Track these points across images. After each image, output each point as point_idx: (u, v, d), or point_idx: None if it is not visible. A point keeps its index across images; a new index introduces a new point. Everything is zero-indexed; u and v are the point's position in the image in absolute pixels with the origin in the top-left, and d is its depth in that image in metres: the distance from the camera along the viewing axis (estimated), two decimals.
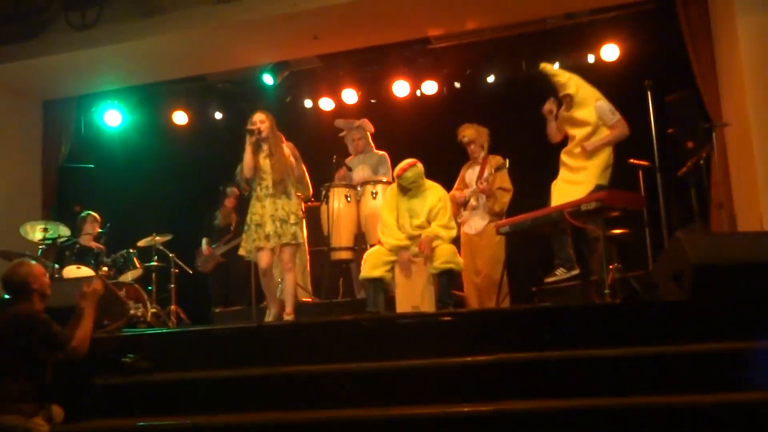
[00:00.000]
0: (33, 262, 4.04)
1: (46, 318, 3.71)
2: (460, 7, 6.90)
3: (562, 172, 5.44)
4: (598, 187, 5.16)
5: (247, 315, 6.34)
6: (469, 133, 6.09)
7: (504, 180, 5.91)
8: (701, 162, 5.66)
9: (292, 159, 5.37)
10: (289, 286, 5.30)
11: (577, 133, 5.37)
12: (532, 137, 5.96)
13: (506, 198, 5.93)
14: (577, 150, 5.32)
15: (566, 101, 5.41)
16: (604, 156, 5.27)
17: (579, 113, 5.37)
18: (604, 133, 5.29)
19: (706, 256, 3.88)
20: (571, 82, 5.38)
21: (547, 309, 4.57)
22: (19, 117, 7.98)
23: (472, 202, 5.99)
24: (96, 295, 3.90)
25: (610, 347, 3.59)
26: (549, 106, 5.53)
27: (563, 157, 5.47)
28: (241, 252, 5.40)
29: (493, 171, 5.84)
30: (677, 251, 4.03)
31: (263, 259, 5.21)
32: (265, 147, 5.29)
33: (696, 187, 5.67)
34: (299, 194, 5.72)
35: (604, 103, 5.33)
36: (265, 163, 5.28)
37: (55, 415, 3.76)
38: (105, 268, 6.69)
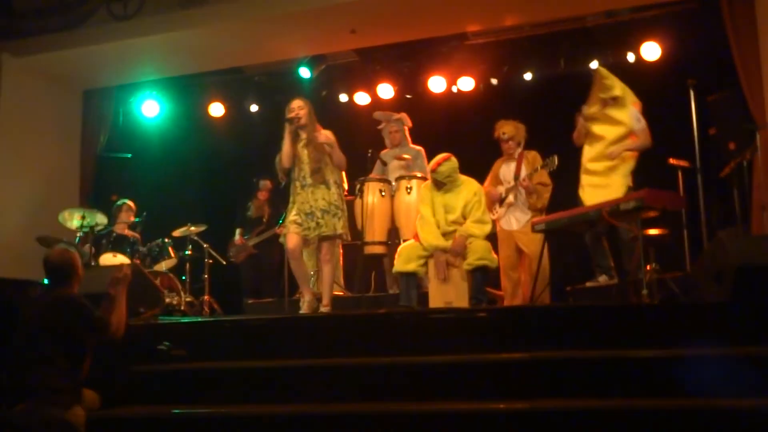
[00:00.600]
0: (72, 249, 4.08)
1: (87, 302, 3.74)
2: (499, 3, 6.83)
3: (587, 179, 5.47)
4: (629, 190, 5.16)
5: (279, 306, 6.38)
6: (508, 129, 6.05)
7: (543, 175, 5.87)
8: (744, 163, 5.55)
9: (327, 147, 5.25)
10: (327, 279, 5.28)
11: (610, 132, 5.43)
12: (568, 136, 5.89)
13: (547, 193, 5.89)
14: (608, 151, 5.33)
15: (605, 102, 5.45)
16: (631, 161, 5.38)
17: (617, 113, 5.47)
18: (627, 142, 5.39)
19: (749, 257, 3.80)
20: (617, 84, 5.51)
21: (585, 308, 4.52)
22: (60, 106, 8.09)
23: (510, 198, 5.93)
24: (127, 280, 3.92)
25: (648, 348, 3.54)
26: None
27: (587, 164, 5.50)
28: (281, 239, 5.37)
29: (538, 168, 5.78)
30: (719, 252, 3.96)
31: (290, 241, 5.17)
32: (303, 135, 5.26)
33: (738, 188, 5.56)
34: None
35: (635, 110, 5.46)
36: (302, 152, 5.25)
37: (90, 401, 3.82)
38: (138, 260, 6.77)
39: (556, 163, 5.60)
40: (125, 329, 3.79)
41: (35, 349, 3.64)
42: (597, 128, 5.51)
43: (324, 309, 5.19)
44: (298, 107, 5.28)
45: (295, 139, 5.27)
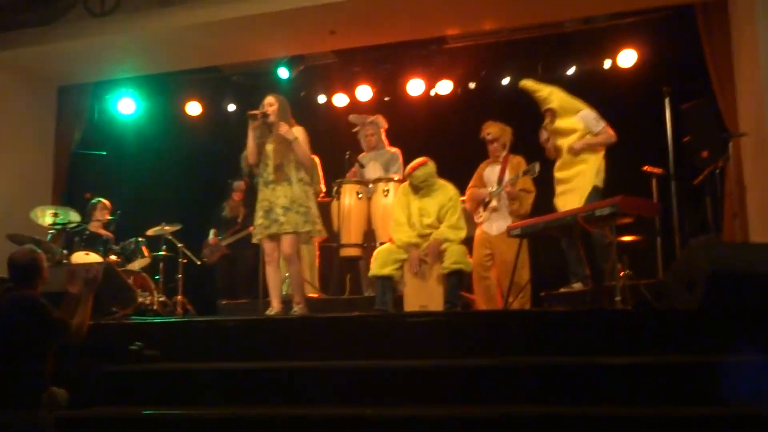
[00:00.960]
0: (38, 250, 3.99)
1: (47, 302, 3.68)
2: (478, 7, 6.86)
3: (558, 187, 5.53)
4: (595, 189, 5.26)
5: (253, 308, 6.34)
6: (493, 130, 6.03)
7: (527, 181, 5.86)
8: (717, 171, 5.62)
9: (289, 137, 5.13)
10: (293, 278, 5.21)
11: (565, 142, 5.49)
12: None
13: (530, 199, 5.87)
14: (568, 159, 5.40)
15: (549, 115, 5.52)
16: (595, 159, 5.39)
17: (563, 123, 5.51)
18: (587, 139, 5.42)
19: (721, 265, 3.85)
20: (553, 96, 5.53)
21: (558, 313, 4.55)
22: (34, 101, 7.98)
23: (494, 203, 5.89)
24: (96, 283, 3.87)
25: (620, 355, 3.57)
26: (544, 136, 5.63)
27: (556, 174, 5.56)
28: (254, 240, 5.33)
29: (520, 174, 5.78)
30: (691, 259, 4.00)
31: (266, 248, 5.15)
32: (270, 132, 5.20)
33: (711, 196, 5.63)
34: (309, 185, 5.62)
35: (588, 112, 5.47)
36: (268, 148, 5.20)
37: (57, 400, 3.77)
38: (113, 256, 6.70)
39: (538, 169, 5.61)
40: (87, 331, 3.72)
41: None
42: (556, 141, 5.59)
43: (297, 307, 5.10)
44: (267, 104, 5.26)
45: (263, 135, 5.23)
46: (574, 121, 5.44)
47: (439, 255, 5.23)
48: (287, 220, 5.04)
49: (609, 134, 5.40)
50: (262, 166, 5.22)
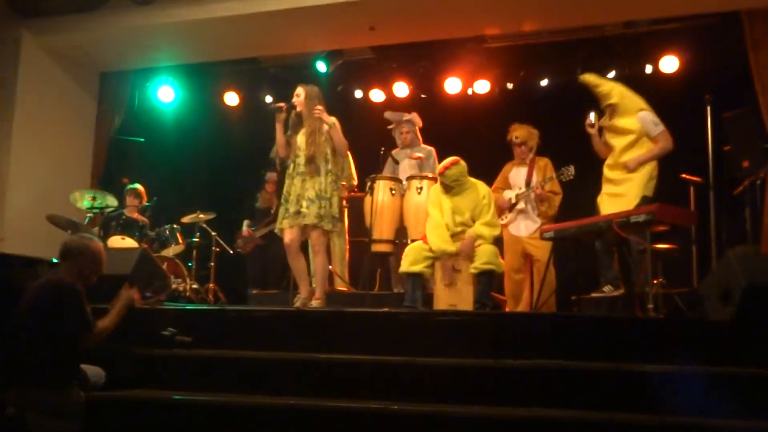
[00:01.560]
0: (100, 245, 4.04)
1: (75, 293, 3.69)
2: (519, 8, 6.82)
3: (606, 187, 5.41)
4: (644, 199, 5.14)
5: (283, 299, 6.39)
6: (521, 133, 6.03)
7: (554, 184, 5.85)
8: (758, 182, 5.53)
9: (325, 126, 5.15)
10: (317, 270, 5.22)
11: (619, 142, 5.34)
12: (581, 144, 5.87)
13: (557, 201, 5.87)
14: (621, 160, 5.28)
15: (609, 111, 5.39)
16: (649, 168, 5.25)
17: (621, 122, 5.35)
18: (646, 145, 5.26)
19: (757, 277, 3.79)
20: (614, 92, 5.36)
21: (589, 318, 4.51)
22: (76, 87, 8.11)
23: (520, 205, 5.91)
24: (130, 303, 3.92)
25: (651, 362, 3.53)
26: (589, 121, 5.52)
27: (606, 171, 5.44)
28: (277, 230, 5.35)
29: (553, 176, 5.74)
30: (727, 270, 3.95)
31: (286, 236, 5.14)
32: (308, 124, 5.19)
33: (750, 207, 5.53)
34: (344, 183, 5.65)
35: (647, 114, 5.30)
36: (300, 140, 5.20)
37: (93, 377, 3.86)
38: (146, 244, 6.80)
39: (573, 173, 5.55)
40: (102, 339, 3.76)
41: (25, 331, 3.65)
42: (610, 139, 5.47)
43: (315, 302, 5.14)
44: (296, 95, 5.29)
45: (295, 126, 5.24)
46: (632, 121, 5.27)
47: (471, 252, 5.21)
48: (309, 213, 5.06)
49: (667, 140, 5.22)
50: (293, 157, 5.25)
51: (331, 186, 5.18)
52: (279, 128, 5.22)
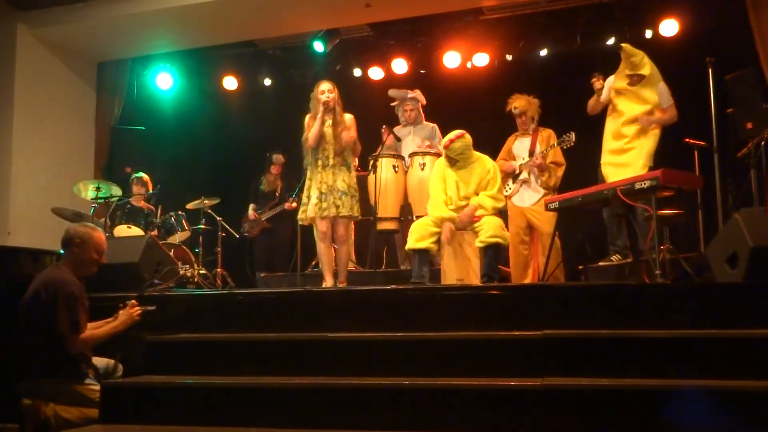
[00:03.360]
0: (102, 234, 4.07)
1: (77, 293, 3.73)
2: None
3: (610, 157, 5.44)
4: (650, 169, 5.12)
5: (291, 281, 6.42)
6: (520, 103, 6.01)
7: (557, 154, 5.85)
8: (762, 144, 5.49)
9: (353, 131, 5.45)
10: (343, 258, 5.48)
11: (633, 109, 5.38)
12: (584, 113, 5.85)
13: (560, 172, 5.87)
14: (629, 130, 5.30)
15: (634, 79, 5.43)
16: (655, 138, 5.31)
17: (645, 92, 5.45)
18: (657, 115, 5.31)
19: (765, 239, 3.77)
20: (645, 62, 5.46)
21: (597, 286, 4.51)
22: (74, 77, 8.11)
23: (524, 175, 5.90)
24: (131, 321, 3.93)
25: (660, 328, 3.53)
26: (600, 83, 5.54)
27: (609, 140, 5.47)
28: (300, 219, 5.53)
29: (555, 144, 5.74)
30: (734, 233, 3.93)
31: (322, 226, 5.36)
32: (329, 117, 5.37)
33: (755, 169, 5.50)
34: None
35: (664, 86, 5.45)
36: (327, 132, 5.36)
37: (106, 368, 3.90)
38: (153, 232, 6.82)
39: (573, 139, 5.56)
40: (85, 348, 3.78)
41: (28, 324, 3.71)
42: (621, 104, 5.48)
43: (340, 285, 5.41)
44: (328, 91, 5.42)
45: (323, 120, 5.37)
46: (654, 92, 5.42)
47: (473, 221, 5.22)
48: (343, 204, 5.31)
49: (674, 113, 5.41)
50: (320, 149, 5.38)
51: (355, 179, 5.51)
52: (320, 120, 5.36)
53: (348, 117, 5.52)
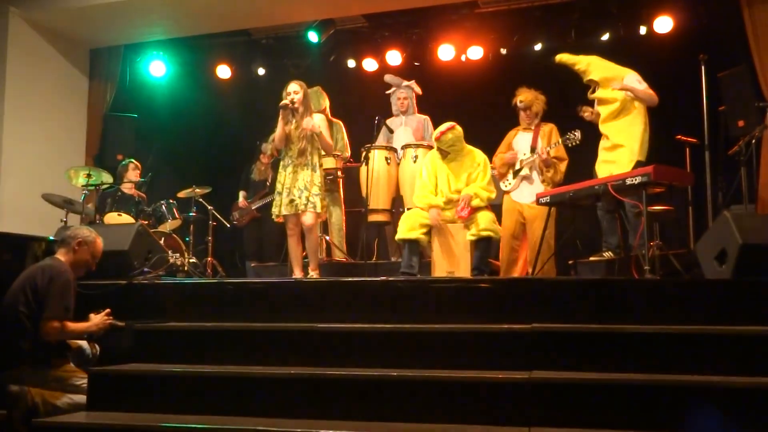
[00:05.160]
0: (101, 242, 4.15)
1: (71, 280, 3.82)
2: None
3: (601, 154, 5.43)
4: (638, 164, 5.18)
5: (281, 271, 6.41)
6: (526, 97, 5.94)
7: (560, 149, 5.81)
8: (753, 142, 5.52)
9: (318, 130, 5.37)
10: (311, 244, 5.41)
11: (605, 110, 5.39)
12: (575, 108, 5.84)
13: (563, 167, 5.81)
14: (609, 129, 5.32)
15: (592, 85, 5.44)
16: (639, 134, 5.31)
17: (605, 93, 5.44)
18: (632, 111, 5.34)
19: (753, 236, 3.79)
20: (592, 67, 5.47)
21: (586, 281, 4.53)
22: (67, 64, 8.05)
23: (525, 171, 5.84)
24: (103, 326, 3.94)
25: (648, 324, 3.55)
26: (584, 113, 5.54)
27: (603, 139, 5.46)
28: (275, 217, 5.53)
29: (559, 141, 5.71)
30: (723, 230, 3.95)
31: (289, 222, 5.37)
32: (294, 118, 5.36)
33: (746, 167, 5.53)
34: (338, 153, 5.76)
35: (631, 76, 5.37)
36: (293, 133, 5.36)
37: (85, 352, 3.92)
38: (144, 220, 6.80)
39: (579, 137, 5.53)
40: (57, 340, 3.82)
41: (15, 312, 3.73)
42: (597, 106, 5.53)
43: (313, 273, 5.34)
44: (293, 91, 5.38)
45: (288, 120, 5.35)
46: (615, 91, 5.38)
47: (468, 214, 5.25)
48: (300, 201, 5.26)
49: (651, 96, 5.31)
50: (285, 149, 5.41)
51: (322, 178, 5.44)
52: (282, 123, 5.37)
53: (319, 117, 5.51)
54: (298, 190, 5.28)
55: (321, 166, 5.45)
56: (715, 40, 6.59)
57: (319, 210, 5.32)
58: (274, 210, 5.41)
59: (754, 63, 6.13)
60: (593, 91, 5.49)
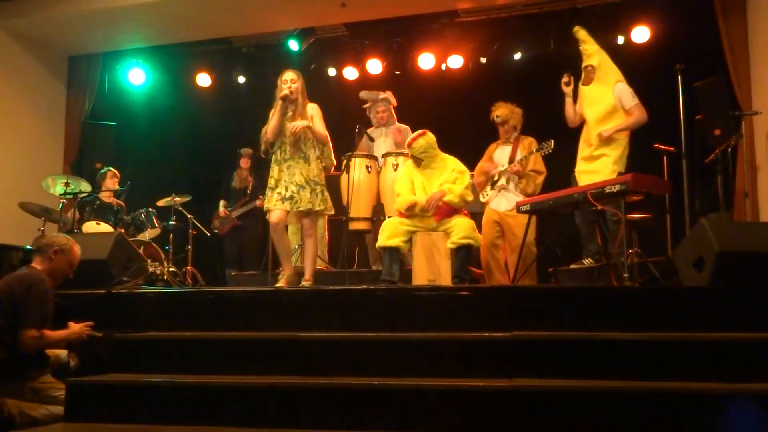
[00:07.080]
0: (79, 250, 4.13)
1: (49, 289, 3.79)
2: None
3: (581, 164, 5.47)
4: (619, 175, 5.17)
5: (261, 279, 6.39)
6: (502, 112, 5.97)
7: (537, 162, 5.83)
8: (729, 150, 5.59)
9: (314, 121, 5.23)
10: (309, 252, 5.28)
11: (592, 113, 5.39)
12: (558, 116, 5.89)
13: (539, 180, 5.84)
14: (594, 136, 5.33)
15: (586, 73, 5.44)
16: (623, 144, 5.33)
17: (596, 90, 5.44)
18: (620, 118, 5.30)
19: (730, 243, 3.84)
20: (598, 55, 5.46)
21: (566, 289, 4.55)
22: (45, 71, 8.00)
23: (502, 182, 5.88)
24: (82, 335, 3.92)
25: (627, 331, 3.58)
26: (566, 78, 5.56)
27: (581, 146, 5.49)
28: (265, 207, 5.34)
29: (533, 151, 5.73)
30: (701, 238, 3.99)
31: (274, 216, 5.16)
32: (290, 110, 5.24)
33: (722, 175, 5.60)
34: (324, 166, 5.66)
35: (624, 86, 5.40)
36: (287, 126, 5.21)
37: (66, 363, 3.88)
38: (122, 229, 6.74)
39: (552, 146, 5.57)
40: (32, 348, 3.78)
41: None
42: (583, 108, 5.52)
43: (306, 283, 5.19)
44: (291, 81, 5.24)
45: (285, 112, 5.24)
46: (608, 91, 5.37)
47: (440, 201, 5.25)
48: (301, 198, 5.11)
49: (642, 113, 5.33)
50: (279, 142, 5.25)
51: (320, 171, 5.28)
52: (279, 115, 5.20)
53: (312, 106, 5.32)
54: (298, 186, 5.11)
55: (318, 158, 5.26)
56: (692, 50, 6.68)
57: (317, 207, 5.16)
58: (267, 205, 5.20)
59: (729, 73, 6.23)
60: (586, 82, 5.49)
